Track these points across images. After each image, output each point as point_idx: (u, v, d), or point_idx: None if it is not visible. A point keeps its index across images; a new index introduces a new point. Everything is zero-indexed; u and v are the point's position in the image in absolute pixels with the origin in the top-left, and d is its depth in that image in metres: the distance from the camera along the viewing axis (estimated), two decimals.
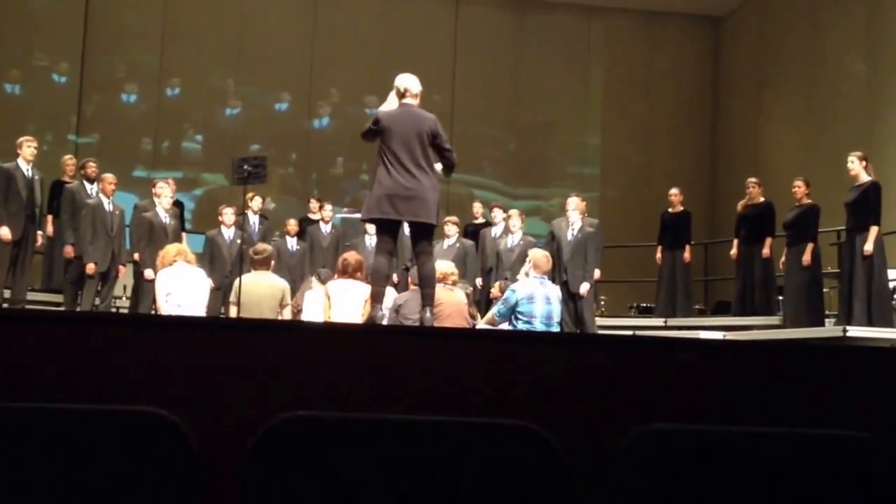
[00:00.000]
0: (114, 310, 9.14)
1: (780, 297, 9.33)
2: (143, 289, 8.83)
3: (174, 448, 1.60)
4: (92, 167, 9.43)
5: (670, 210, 10.48)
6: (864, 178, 8.23)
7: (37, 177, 8.80)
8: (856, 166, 8.26)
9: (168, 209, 9.17)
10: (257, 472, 1.58)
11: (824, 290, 9.17)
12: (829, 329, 8.36)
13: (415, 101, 5.94)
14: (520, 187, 14.45)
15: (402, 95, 5.94)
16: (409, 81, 5.98)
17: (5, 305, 8.44)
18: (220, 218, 9.49)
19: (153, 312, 7.76)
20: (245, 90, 14.01)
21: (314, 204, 11.14)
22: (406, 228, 6.83)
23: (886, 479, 1.74)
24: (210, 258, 9.21)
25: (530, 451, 1.65)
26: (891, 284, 8.52)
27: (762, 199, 9.69)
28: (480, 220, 11.04)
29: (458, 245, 9.76)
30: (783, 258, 9.09)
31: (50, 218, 9.58)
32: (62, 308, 8.85)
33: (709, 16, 15.02)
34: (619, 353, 2.52)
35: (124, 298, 9.79)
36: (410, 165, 5.74)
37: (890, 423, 2.40)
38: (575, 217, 9.20)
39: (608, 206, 14.06)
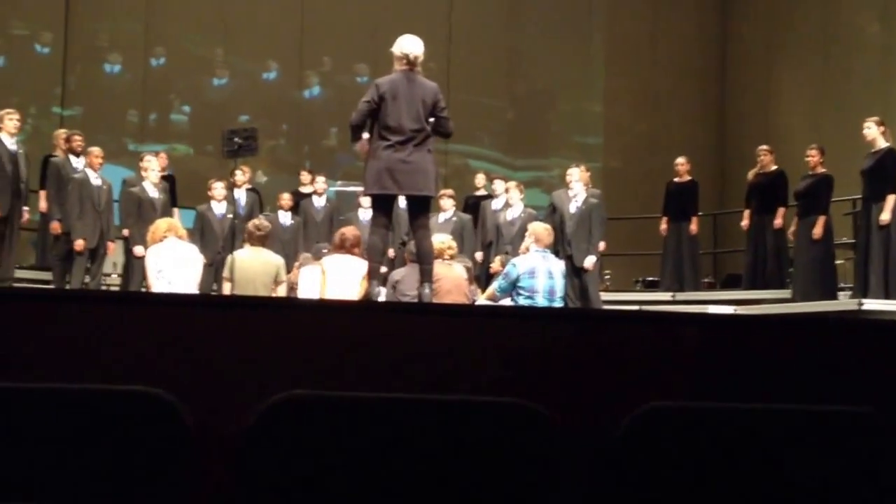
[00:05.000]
0: (104, 287, 8.98)
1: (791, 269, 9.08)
2: (133, 266, 8.66)
3: (169, 427, 1.61)
4: (77, 140, 9.22)
5: (676, 180, 10.21)
6: (882, 144, 7.99)
7: (20, 151, 8.55)
8: (873, 132, 8.01)
9: (156, 183, 9.03)
10: (254, 452, 1.58)
11: (837, 261, 8.92)
12: (844, 302, 8.15)
13: (418, 68, 5.64)
14: (519, 158, 14.10)
15: (411, 64, 5.62)
16: (415, 47, 5.65)
17: None
18: (209, 192, 9.27)
19: (144, 290, 7.55)
20: (233, 59, 13.62)
21: (305, 176, 10.84)
22: (402, 202, 6.58)
23: (889, 454, 1.74)
24: (201, 234, 9.02)
25: (530, 430, 1.65)
26: None
27: (774, 168, 9.40)
28: (482, 192, 10.71)
29: (454, 219, 9.47)
30: (792, 228, 8.84)
31: (43, 194, 9.34)
32: (52, 286, 8.63)
33: None
34: (625, 329, 2.43)
35: (115, 276, 9.64)
36: (410, 136, 5.50)
37: None
38: (578, 188, 8.98)
39: (611, 177, 13.71)
